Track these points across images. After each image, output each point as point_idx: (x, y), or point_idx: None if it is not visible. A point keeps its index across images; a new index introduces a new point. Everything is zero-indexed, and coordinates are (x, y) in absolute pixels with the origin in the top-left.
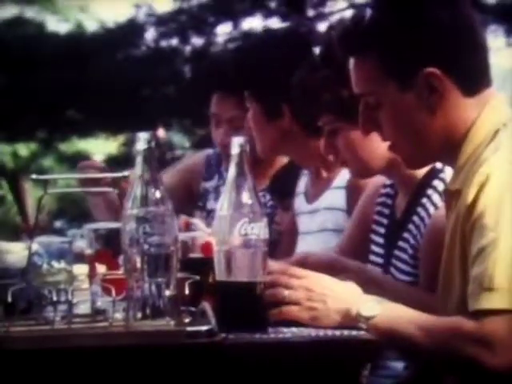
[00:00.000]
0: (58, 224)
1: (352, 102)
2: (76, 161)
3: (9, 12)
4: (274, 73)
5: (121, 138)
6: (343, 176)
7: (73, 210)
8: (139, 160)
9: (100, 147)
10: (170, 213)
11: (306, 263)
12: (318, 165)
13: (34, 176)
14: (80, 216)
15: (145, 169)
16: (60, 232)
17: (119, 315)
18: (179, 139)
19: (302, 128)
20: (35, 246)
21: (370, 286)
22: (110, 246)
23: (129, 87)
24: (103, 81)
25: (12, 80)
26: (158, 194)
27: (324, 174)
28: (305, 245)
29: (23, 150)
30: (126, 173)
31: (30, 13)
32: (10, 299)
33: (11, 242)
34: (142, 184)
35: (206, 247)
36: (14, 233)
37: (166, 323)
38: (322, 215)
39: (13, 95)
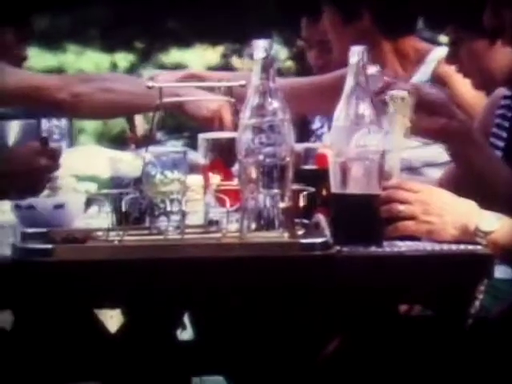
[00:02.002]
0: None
1: (478, 11)
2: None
3: None
4: None
5: (220, 49)
6: (423, 71)
7: (171, 121)
8: (257, 69)
9: (199, 58)
10: (287, 123)
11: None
12: (395, 65)
13: (149, 84)
14: (178, 127)
15: (262, 78)
16: (159, 143)
17: (233, 226)
18: (278, 51)
19: (380, 29)
20: (149, 156)
21: None
22: (224, 156)
23: None
24: None
25: None
26: (275, 104)
27: (400, 73)
28: None
29: (122, 60)
30: (242, 82)
31: None
32: (124, 208)
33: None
34: (259, 93)
35: (321, 159)
36: (119, 143)
37: (280, 235)
38: None
39: (112, 5)
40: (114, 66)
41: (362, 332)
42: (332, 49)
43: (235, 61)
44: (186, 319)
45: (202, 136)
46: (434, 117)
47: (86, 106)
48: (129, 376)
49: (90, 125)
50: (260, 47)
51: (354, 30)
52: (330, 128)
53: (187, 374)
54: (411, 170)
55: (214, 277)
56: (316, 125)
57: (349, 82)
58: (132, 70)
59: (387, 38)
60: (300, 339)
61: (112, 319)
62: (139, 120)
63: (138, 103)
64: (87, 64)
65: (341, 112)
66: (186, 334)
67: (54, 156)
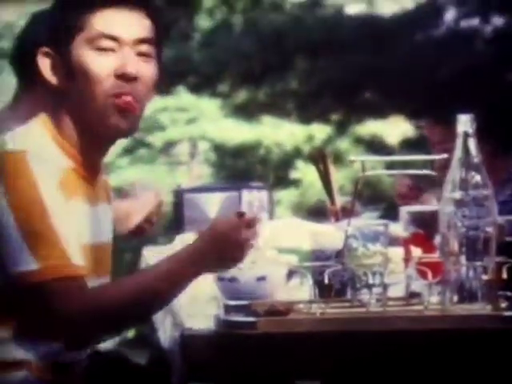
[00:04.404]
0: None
1: None
2: (371, 143)
3: None
4: None
5: (416, 121)
6: None
7: (367, 192)
8: (459, 143)
9: (395, 130)
10: (490, 196)
11: None
12: None
13: (352, 158)
14: (374, 198)
15: (465, 152)
16: (357, 215)
17: (434, 298)
18: None
19: None
20: (351, 229)
21: None
22: (425, 229)
23: (426, 69)
24: (400, 63)
25: (310, 62)
26: (477, 178)
27: None
28: None
29: (318, 132)
30: (444, 155)
31: None
32: (326, 281)
33: (313, 222)
34: (461, 167)
35: None
36: (315, 214)
37: (483, 307)
38: None
39: (310, 78)
40: (310, 138)
41: None
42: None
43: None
44: None
45: (403, 209)
46: None
47: None
48: None
49: (287, 196)
50: (462, 121)
51: None
52: None
53: None
54: None
55: (416, 349)
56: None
57: None
58: (329, 140)
59: None
60: None
61: None
62: (336, 192)
63: None
64: (283, 136)
65: None
66: None
67: (252, 226)
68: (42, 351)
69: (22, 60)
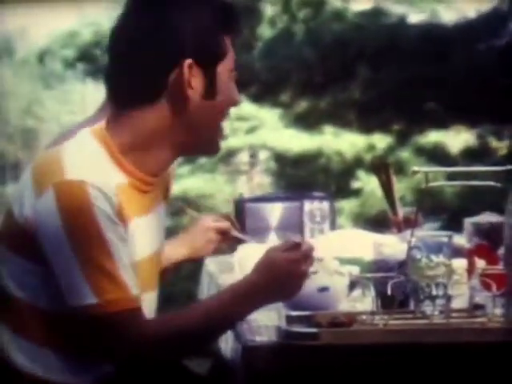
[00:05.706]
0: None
1: None
2: (433, 153)
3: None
4: None
5: (478, 131)
6: None
7: (428, 203)
8: None
9: (457, 140)
10: None
11: None
12: None
13: (415, 168)
14: (435, 209)
15: None
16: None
17: (498, 311)
18: None
19: None
20: (414, 240)
21: None
22: (490, 240)
23: (488, 79)
24: (462, 72)
25: (372, 72)
26: None
27: None
28: None
29: (379, 142)
30: (510, 166)
31: (385, 4)
32: (389, 292)
33: (377, 233)
34: None
35: None
36: (376, 224)
37: None
38: None
39: (372, 87)
40: (370, 148)
41: None
42: None
43: (493, 143)
44: None
45: (467, 220)
46: None
47: None
48: None
49: (347, 206)
50: None
51: None
52: None
53: None
54: None
55: (479, 361)
56: None
57: None
58: (390, 150)
59: None
60: None
61: None
62: (398, 202)
63: None
64: (344, 145)
65: None
66: None
67: (308, 258)
68: (93, 376)
69: None
